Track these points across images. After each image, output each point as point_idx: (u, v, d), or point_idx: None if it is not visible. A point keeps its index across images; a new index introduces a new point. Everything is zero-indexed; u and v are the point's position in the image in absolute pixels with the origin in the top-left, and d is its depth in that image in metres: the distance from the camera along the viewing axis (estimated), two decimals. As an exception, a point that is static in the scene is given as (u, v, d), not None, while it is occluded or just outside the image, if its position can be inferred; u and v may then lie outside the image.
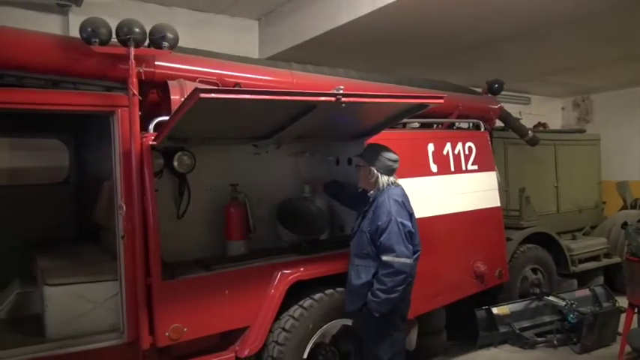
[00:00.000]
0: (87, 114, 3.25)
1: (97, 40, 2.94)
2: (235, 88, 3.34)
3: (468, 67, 7.54)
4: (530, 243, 5.90)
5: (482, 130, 5.03)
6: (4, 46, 2.91)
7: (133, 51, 3.01)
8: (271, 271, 3.44)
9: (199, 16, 6.34)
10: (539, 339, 5.17)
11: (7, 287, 3.69)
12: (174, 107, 3.04)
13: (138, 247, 3.01)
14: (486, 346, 5.15)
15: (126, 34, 2.98)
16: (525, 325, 5.28)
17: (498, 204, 4.91)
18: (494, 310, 5.18)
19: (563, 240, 6.47)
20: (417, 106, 3.37)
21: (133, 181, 3.03)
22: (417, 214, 3.47)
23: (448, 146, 4.48)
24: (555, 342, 5.09)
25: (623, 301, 4.95)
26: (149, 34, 3.10)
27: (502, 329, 5.17)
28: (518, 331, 5.17)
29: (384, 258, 3.16)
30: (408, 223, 3.27)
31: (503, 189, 5.87)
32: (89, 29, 2.94)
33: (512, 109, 7.44)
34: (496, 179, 4.92)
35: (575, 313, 5.11)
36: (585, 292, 5.65)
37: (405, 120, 4.13)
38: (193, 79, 3.38)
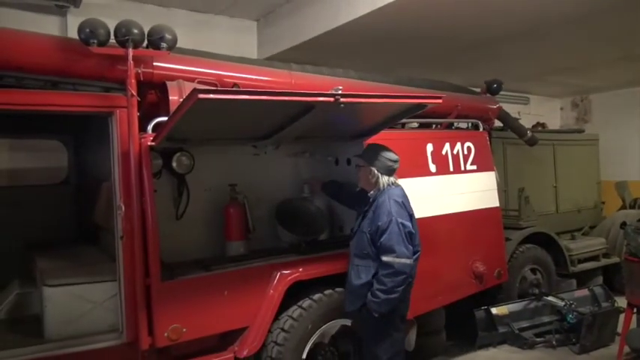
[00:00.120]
0: (86, 115, 3.26)
1: (95, 41, 2.94)
2: (234, 89, 3.35)
3: (468, 67, 7.55)
4: (529, 243, 5.90)
5: (481, 130, 5.04)
6: (3, 48, 2.91)
7: (131, 52, 3.01)
8: (270, 271, 3.44)
9: (198, 17, 6.34)
10: (538, 339, 5.17)
11: (7, 288, 3.69)
12: (172, 108, 3.05)
13: (137, 247, 3.01)
14: (485, 347, 5.16)
15: (124, 35, 2.99)
16: (524, 326, 5.28)
17: (497, 204, 4.91)
18: (494, 311, 5.18)
19: (562, 240, 6.48)
20: (416, 106, 3.37)
21: (132, 181, 3.03)
22: (416, 215, 3.46)
23: (447, 146, 4.49)
24: (554, 342, 5.10)
25: (622, 301, 4.95)
26: (147, 35, 3.11)
27: (501, 329, 5.18)
28: (517, 332, 5.17)
29: (385, 258, 3.17)
30: (409, 224, 3.27)
31: (502, 189, 5.88)
32: (87, 30, 2.94)
33: (511, 109, 7.44)
34: (495, 179, 4.92)
35: (574, 313, 5.12)
36: (584, 292, 5.65)
37: (404, 120, 4.14)
38: (192, 80, 3.39)
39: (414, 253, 3.30)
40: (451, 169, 4.49)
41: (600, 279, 6.72)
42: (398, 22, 5.40)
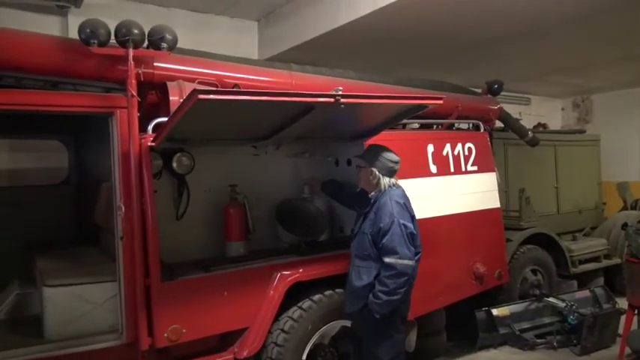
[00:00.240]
0: (86, 115, 3.25)
1: (95, 42, 2.94)
2: (234, 89, 3.34)
3: (468, 67, 7.54)
4: (530, 244, 5.90)
5: (482, 130, 5.03)
6: (3, 48, 2.91)
7: (131, 52, 3.01)
8: (270, 272, 3.44)
9: (198, 17, 6.34)
10: (538, 340, 5.17)
11: (7, 288, 3.69)
12: (173, 108, 3.04)
13: (137, 248, 3.01)
14: (486, 348, 5.15)
15: (125, 35, 2.99)
16: (525, 327, 5.27)
17: (498, 205, 4.90)
18: (494, 312, 5.17)
19: (563, 241, 6.47)
20: (416, 107, 3.36)
21: (132, 182, 3.03)
22: (417, 216, 3.46)
23: (448, 147, 4.48)
24: (555, 343, 5.08)
25: (623, 303, 4.94)
26: (148, 36, 3.10)
27: (502, 330, 5.17)
28: (518, 333, 5.16)
29: (387, 260, 3.16)
30: (410, 225, 3.27)
31: (503, 190, 5.87)
32: (88, 30, 2.94)
33: (512, 109, 7.44)
34: (496, 180, 4.91)
35: (575, 314, 5.11)
36: (585, 293, 5.64)
37: (404, 120, 4.13)
38: (192, 80, 3.38)
39: (416, 254, 3.29)
40: (452, 169, 4.48)
41: (601, 280, 6.71)
42: (398, 23, 5.40)
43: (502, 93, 5.82)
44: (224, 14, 6.52)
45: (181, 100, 2.81)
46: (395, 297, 3.14)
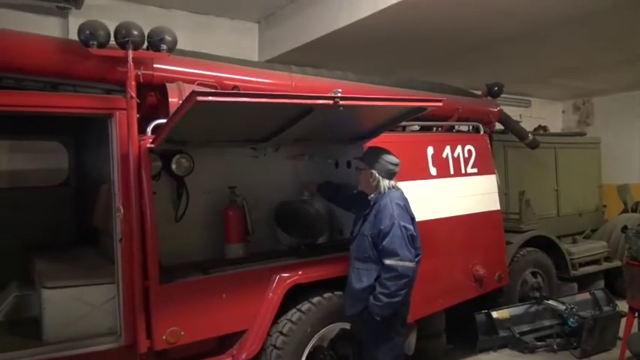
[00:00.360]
0: (85, 116, 3.25)
1: (95, 43, 2.94)
2: (232, 91, 3.34)
3: (469, 68, 7.54)
4: (530, 246, 5.88)
5: (482, 133, 5.02)
6: (4, 49, 2.91)
7: (131, 53, 3.01)
8: (269, 274, 3.43)
9: (199, 18, 6.34)
10: (539, 343, 5.15)
11: (6, 289, 3.69)
12: (172, 110, 3.03)
13: (135, 250, 3.00)
14: (486, 350, 5.13)
15: (124, 36, 2.99)
16: (525, 330, 5.26)
17: (498, 207, 4.89)
18: (494, 314, 5.16)
19: (564, 243, 6.46)
20: (416, 109, 3.36)
21: (131, 183, 3.02)
22: (417, 218, 3.45)
23: (447, 149, 4.47)
24: (555, 346, 5.07)
25: (623, 305, 4.93)
26: (147, 37, 3.10)
27: (502, 333, 5.15)
28: (518, 336, 5.15)
29: (387, 262, 3.15)
30: (411, 227, 3.26)
31: (503, 192, 5.86)
32: (87, 32, 2.94)
33: (513, 111, 7.43)
34: (496, 182, 4.90)
35: (576, 317, 5.09)
36: (585, 296, 5.63)
37: (404, 123, 4.13)
38: (192, 82, 3.38)
39: (416, 255, 3.28)
40: (452, 172, 4.47)
41: (602, 283, 6.69)
42: (399, 24, 5.40)
43: (502, 95, 5.82)
44: (224, 16, 6.52)
45: (181, 102, 2.81)
46: (395, 299, 3.13)
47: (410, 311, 3.48)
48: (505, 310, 5.27)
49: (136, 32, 3.01)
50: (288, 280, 3.44)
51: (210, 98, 2.33)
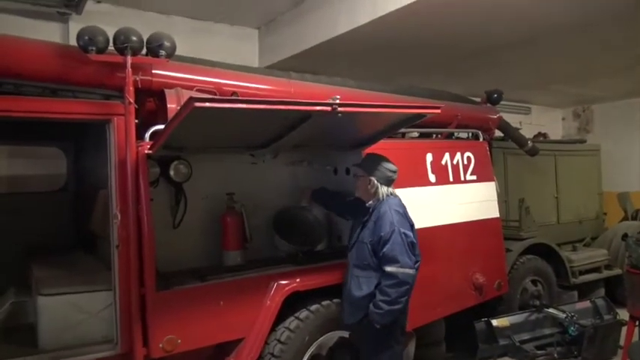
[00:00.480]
0: (83, 122, 3.24)
1: (93, 49, 2.94)
2: (230, 97, 3.34)
3: (469, 75, 7.55)
4: (530, 254, 5.85)
5: (481, 140, 5.01)
6: (1, 54, 2.90)
7: (129, 59, 3.00)
8: (267, 281, 3.40)
9: (199, 24, 6.35)
10: (539, 352, 5.11)
11: (3, 296, 3.67)
12: (170, 116, 3.03)
13: (132, 256, 2.98)
14: (486, 359, 5.09)
15: (123, 42, 2.98)
16: (525, 338, 5.21)
17: (497, 214, 4.88)
18: (494, 322, 5.12)
19: (564, 251, 6.43)
20: (415, 116, 3.35)
21: (128, 189, 3.01)
22: (416, 225, 3.43)
23: (446, 156, 4.46)
24: (556, 355, 5.03)
25: (624, 314, 4.90)
26: (146, 43, 3.10)
27: (502, 342, 5.11)
28: (518, 344, 5.11)
29: (388, 269, 3.13)
30: (410, 234, 3.25)
31: (503, 199, 5.85)
32: (86, 37, 2.94)
33: (513, 119, 7.44)
34: (495, 189, 4.89)
35: (576, 325, 5.06)
36: (586, 304, 5.59)
37: (404, 129, 4.12)
38: (191, 88, 3.38)
39: (415, 262, 3.26)
40: (451, 179, 4.46)
41: (602, 291, 6.65)
42: (398, 31, 5.41)
43: (502, 102, 5.82)
44: (224, 22, 6.54)
45: (179, 108, 2.80)
46: (396, 306, 3.12)
47: (408, 319, 3.45)
48: (505, 318, 5.23)
49: (134, 38, 3.00)
50: (286, 288, 3.41)
51: (208, 104, 2.32)
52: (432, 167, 4.32)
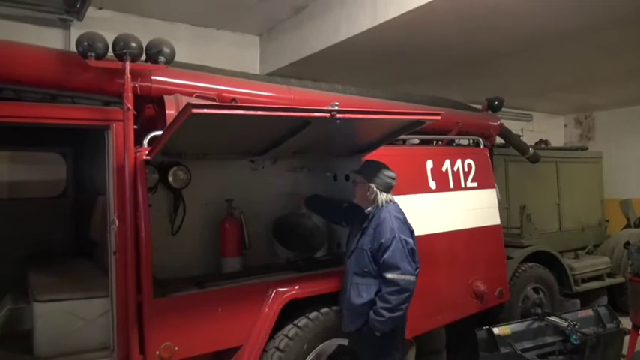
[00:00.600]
0: (82, 128, 3.24)
1: (93, 55, 2.94)
2: (228, 104, 3.33)
3: (469, 82, 7.56)
4: (532, 261, 5.81)
5: (482, 147, 5.00)
6: (2, 60, 2.91)
7: (128, 65, 3.00)
8: (266, 288, 3.37)
9: (201, 31, 6.39)
10: (540, 360, 5.06)
11: (0, 302, 3.65)
12: (169, 122, 3.01)
13: (130, 263, 2.96)
14: (487, 367, 5.04)
15: (122, 48, 2.99)
16: (527, 346, 5.13)
17: (498, 222, 4.85)
18: (495, 330, 5.06)
19: (566, 259, 6.39)
20: (414, 123, 3.34)
21: (127, 196, 3.00)
22: (416, 232, 3.41)
23: (447, 163, 4.44)
24: (557, 363, 4.98)
25: (626, 322, 4.85)
26: (146, 49, 3.11)
27: (503, 350, 5.04)
28: (519, 352, 5.03)
29: (389, 276, 3.11)
30: (411, 240, 3.23)
31: (504, 207, 5.82)
32: (85, 43, 2.94)
33: (514, 126, 7.44)
34: (496, 197, 4.87)
35: (578, 334, 4.99)
36: (588, 312, 5.52)
37: (404, 136, 4.11)
38: (190, 94, 3.37)
39: (415, 269, 3.24)
40: (451, 186, 4.44)
41: (605, 299, 6.61)
42: (398, 38, 5.43)
43: (504, 109, 5.81)
44: (226, 28, 6.57)
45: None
46: (397, 313, 3.09)
47: (407, 327, 3.42)
48: (506, 326, 5.16)
49: (134, 44, 3.01)
50: (285, 295, 3.38)
51: (205, 110, 2.32)
52: (432, 174, 4.30)
